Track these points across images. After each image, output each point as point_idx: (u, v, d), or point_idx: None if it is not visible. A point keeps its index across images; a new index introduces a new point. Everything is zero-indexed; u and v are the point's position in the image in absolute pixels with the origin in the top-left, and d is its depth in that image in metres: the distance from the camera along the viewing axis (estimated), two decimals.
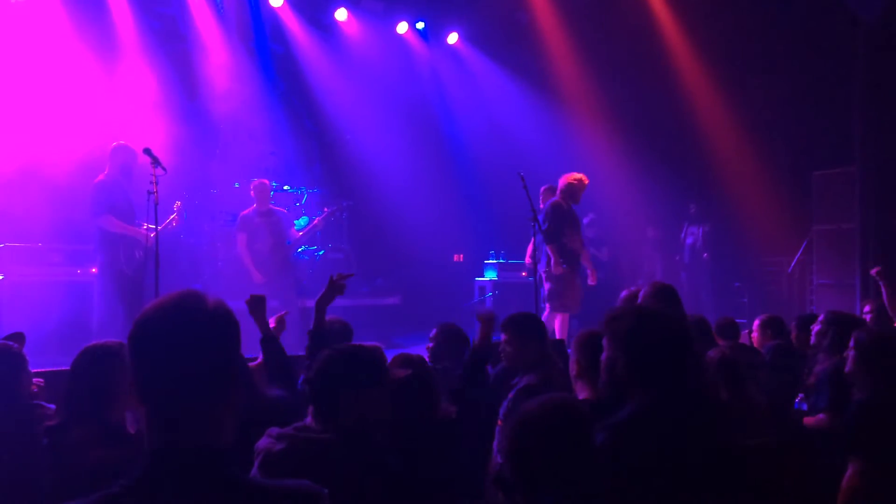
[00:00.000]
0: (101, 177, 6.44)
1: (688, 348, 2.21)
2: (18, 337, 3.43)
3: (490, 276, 9.96)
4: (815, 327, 4.22)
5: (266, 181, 7.99)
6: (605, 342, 2.22)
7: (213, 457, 1.39)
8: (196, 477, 1.36)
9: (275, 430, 2.37)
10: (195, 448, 1.37)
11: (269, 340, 3.64)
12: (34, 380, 3.31)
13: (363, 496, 2.22)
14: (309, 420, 2.41)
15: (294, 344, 5.68)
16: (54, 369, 4.61)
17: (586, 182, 7.57)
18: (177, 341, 1.37)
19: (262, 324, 3.72)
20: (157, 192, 5.61)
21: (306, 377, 2.48)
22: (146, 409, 1.39)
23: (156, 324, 1.40)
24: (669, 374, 2.13)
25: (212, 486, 1.37)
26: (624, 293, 4.56)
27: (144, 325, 1.40)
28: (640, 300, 3.80)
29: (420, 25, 11.04)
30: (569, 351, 3.52)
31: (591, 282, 7.62)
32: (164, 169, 5.68)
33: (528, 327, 3.89)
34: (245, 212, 7.79)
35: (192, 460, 1.36)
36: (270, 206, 7.89)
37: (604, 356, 2.22)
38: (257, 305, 3.74)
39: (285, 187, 9.35)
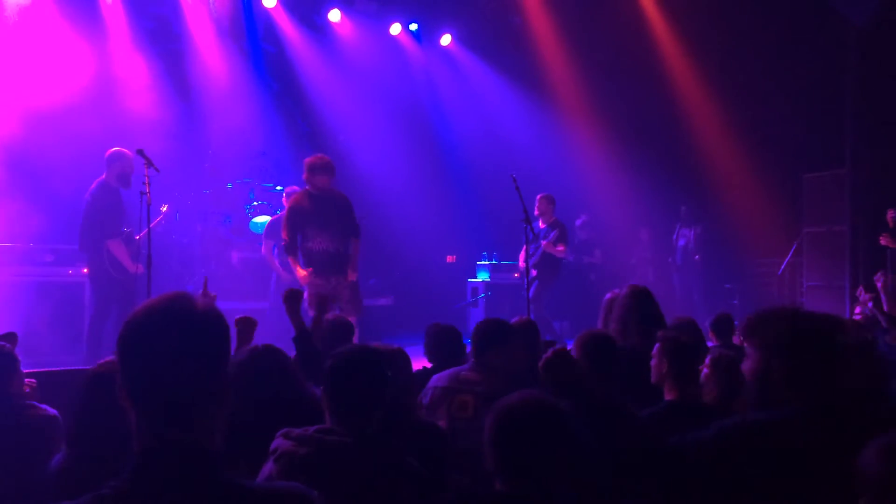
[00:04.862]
0: (97, 183, 6.37)
1: (839, 350, 2.14)
2: (11, 337, 3.43)
3: (482, 277, 9.97)
4: None
5: (298, 188, 7.97)
6: (750, 350, 2.13)
7: (203, 458, 1.39)
8: (185, 478, 1.37)
9: (294, 432, 2.25)
10: (184, 450, 1.38)
11: (301, 338, 3.63)
12: (27, 380, 3.31)
13: (394, 499, 2.18)
14: (328, 422, 2.32)
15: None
16: (47, 370, 4.62)
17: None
18: (166, 343, 1.38)
19: (296, 321, 3.72)
20: (149, 192, 5.60)
21: (331, 379, 2.34)
22: (135, 410, 1.40)
23: (145, 326, 1.40)
24: (826, 377, 2.06)
25: (201, 487, 1.37)
26: (608, 296, 4.60)
27: (134, 327, 1.41)
28: (618, 303, 3.83)
29: (413, 27, 11.04)
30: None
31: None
32: (156, 169, 5.68)
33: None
34: (274, 218, 7.81)
35: (181, 462, 1.37)
36: None
37: (749, 365, 2.13)
38: (292, 302, 3.74)
39: (277, 188, 9.35)
